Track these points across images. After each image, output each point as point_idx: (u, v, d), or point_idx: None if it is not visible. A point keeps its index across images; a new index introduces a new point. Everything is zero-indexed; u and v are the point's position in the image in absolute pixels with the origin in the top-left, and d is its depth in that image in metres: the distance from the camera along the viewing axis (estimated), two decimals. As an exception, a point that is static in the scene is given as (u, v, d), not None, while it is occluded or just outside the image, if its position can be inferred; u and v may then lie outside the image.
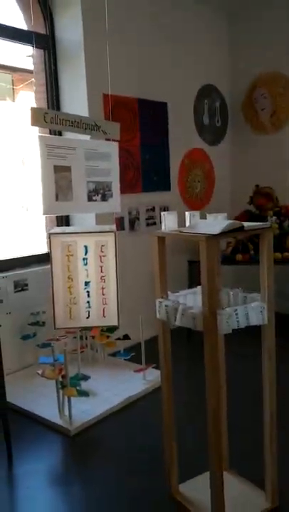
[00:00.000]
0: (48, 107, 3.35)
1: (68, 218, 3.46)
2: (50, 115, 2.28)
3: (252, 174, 4.42)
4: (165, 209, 3.90)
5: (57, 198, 2.29)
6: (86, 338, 3.29)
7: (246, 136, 4.54)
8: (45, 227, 3.52)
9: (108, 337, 3.17)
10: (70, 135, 2.71)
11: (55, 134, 3.11)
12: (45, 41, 3.29)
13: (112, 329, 3.18)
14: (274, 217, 3.69)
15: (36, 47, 3.18)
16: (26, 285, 3.08)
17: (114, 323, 2.43)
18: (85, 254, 2.31)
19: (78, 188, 2.42)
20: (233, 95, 4.58)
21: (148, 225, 3.75)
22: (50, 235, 2.25)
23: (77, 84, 3.28)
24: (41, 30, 3.31)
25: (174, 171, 4.04)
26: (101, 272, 2.35)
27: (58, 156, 2.29)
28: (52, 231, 2.34)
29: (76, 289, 2.32)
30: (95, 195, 2.48)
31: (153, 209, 3.82)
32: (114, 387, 2.83)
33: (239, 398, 2.53)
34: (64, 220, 3.43)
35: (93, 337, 3.18)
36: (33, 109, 2.28)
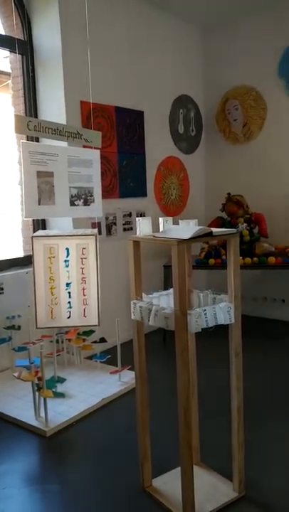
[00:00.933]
0: (26, 112, 3.40)
1: (45, 222, 3.51)
2: (34, 123, 2.35)
3: (225, 182, 4.59)
4: (141, 215, 4.01)
5: (39, 202, 2.37)
6: (62, 342, 3.33)
7: (219, 146, 4.71)
8: (21, 231, 3.56)
9: (84, 340, 3.23)
10: (48, 141, 2.77)
11: (32, 141, 3.16)
12: (23, 47, 3.34)
13: (88, 332, 3.24)
14: (244, 224, 3.84)
15: (14, 52, 3.24)
16: (2, 289, 3.11)
17: (95, 322, 2.51)
18: (67, 256, 2.39)
19: (60, 193, 2.51)
20: (207, 106, 4.75)
21: (125, 230, 3.84)
22: (32, 238, 2.32)
23: (55, 91, 3.35)
24: (20, 35, 3.36)
25: (150, 178, 4.15)
26: (82, 273, 2.43)
27: (41, 162, 2.37)
28: (35, 234, 2.41)
29: (57, 290, 2.40)
30: (77, 200, 2.56)
31: (130, 214, 3.91)
32: (89, 389, 2.89)
33: (211, 394, 2.63)
34: (41, 224, 3.48)
35: (69, 340, 3.23)
36: (16, 117, 2.35)
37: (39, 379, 2.48)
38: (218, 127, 4.71)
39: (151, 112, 4.09)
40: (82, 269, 2.40)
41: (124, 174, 3.83)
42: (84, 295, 2.42)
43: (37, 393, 2.50)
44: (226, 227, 3.94)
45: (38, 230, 3.45)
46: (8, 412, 2.61)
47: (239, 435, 1.87)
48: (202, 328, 1.68)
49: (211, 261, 3.75)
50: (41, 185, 2.34)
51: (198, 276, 4.56)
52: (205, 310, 1.68)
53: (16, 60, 3.41)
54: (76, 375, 3.14)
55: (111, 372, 3.03)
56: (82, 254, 2.38)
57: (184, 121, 4.53)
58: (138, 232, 1.84)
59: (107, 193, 3.68)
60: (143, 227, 1.82)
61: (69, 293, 2.40)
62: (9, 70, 3.48)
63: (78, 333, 3.22)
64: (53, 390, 2.57)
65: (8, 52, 3.39)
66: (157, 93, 4.16)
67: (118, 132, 3.75)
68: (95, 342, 3.23)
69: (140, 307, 1.81)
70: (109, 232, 3.71)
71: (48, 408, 2.52)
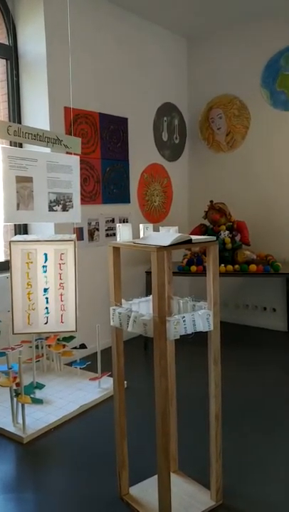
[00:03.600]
0: (10, 117, 3.39)
1: (27, 227, 3.49)
2: (14, 128, 2.34)
3: (208, 190, 4.64)
4: (124, 221, 4.01)
5: (18, 207, 2.35)
6: (42, 348, 3.30)
7: (203, 154, 4.76)
8: (2, 235, 3.52)
9: (64, 346, 3.20)
10: (32, 147, 2.77)
11: (15, 146, 3.15)
12: (8, 52, 3.33)
13: (68, 338, 3.22)
14: (226, 232, 3.88)
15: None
16: (-18, 293, 3.06)
17: (72, 328, 2.48)
18: (45, 261, 2.37)
19: (39, 198, 2.49)
20: (191, 114, 4.80)
21: (107, 235, 3.84)
22: (10, 243, 2.29)
23: (39, 97, 3.35)
24: (4, 40, 3.35)
25: (134, 184, 4.16)
26: (60, 279, 2.40)
27: (20, 167, 2.36)
28: (13, 239, 2.39)
29: (35, 296, 2.37)
30: (55, 206, 2.55)
31: (113, 220, 3.91)
32: (69, 395, 2.86)
33: (191, 401, 2.64)
34: (22, 229, 3.45)
35: (49, 346, 3.20)
36: None
37: (17, 385, 2.44)
38: (202, 135, 4.76)
39: (135, 119, 4.11)
40: (60, 274, 2.38)
41: (108, 180, 3.84)
42: (61, 301, 2.39)
43: (15, 399, 2.47)
44: (208, 235, 3.99)
45: (19, 234, 3.43)
46: (-15, 419, 2.57)
47: (217, 443, 1.88)
48: (181, 335, 1.69)
49: (193, 268, 3.78)
50: (20, 190, 2.32)
51: (181, 283, 4.58)
52: (184, 317, 1.69)
53: (0, 65, 3.39)
54: (55, 381, 3.11)
55: (90, 379, 3.01)
56: (61, 259, 2.36)
57: (168, 128, 4.57)
58: (118, 239, 1.84)
59: (89, 199, 3.68)
60: (123, 233, 1.83)
61: (46, 298, 2.37)
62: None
63: (58, 339, 3.20)
64: (32, 396, 2.54)
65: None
66: (141, 100, 4.20)
67: (102, 138, 3.76)
68: (75, 348, 3.21)
69: (119, 313, 1.81)
70: (91, 237, 3.70)
71: (26, 414, 2.49)
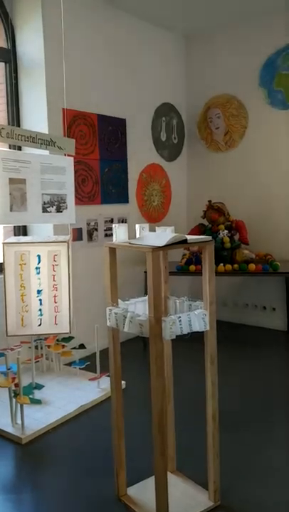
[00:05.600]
0: (8, 121, 3.40)
1: (26, 229, 3.50)
2: (6, 130, 2.35)
3: (206, 189, 4.64)
4: (123, 221, 4.02)
5: (11, 209, 2.35)
6: (41, 348, 3.31)
7: (201, 154, 4.76)
8: (2, 236, 3.53)
9: (64, 346, 3.21)
10: (30, 150, 2.78)
11: (14, 149, 3.16)
12: (6, 55, 3.34)
13: (67, 339, 3.22)
14: (225, 231, 3.89)
15: (-2, 60, 3.24)
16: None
17: (66, 330, 2.48)
18: (38, 263, 2.37)
19: (33, 199, 2.49)
20: (189, 114, 4.81)
21: (106, 235, 3.85)
22: (4, 244, 2.29)
23: (38, 99, 3.36)
24: (2, 43, 3.36)
25: (132, 184, 4.17)
26: (53, 280, 2.40)
27: (13, 169, 2.36)
28: (6, 240, 2.39)
29: (28, 297, 2.36)
30: (49, 207, 2.56)
31: (111, 220, 3.92)
32: (68, 396, 2.87)
33: (190, 400, 2.64)
34: (21, 230, 3.46)
35: (48, 346, 3.20)
36: None
37: (16, 385, 2.45)
38: (200, 135, 4.76)
39: (133, 120, 4.12)
40: (54, 275, 2.38)
41: (106, 181, 3.84)
42: (55, 302, 2.40)
43: (14, 399, 2.47)
44: (206, 234, 3.99)
45: (18, 236, 3.43)
46: (-16, 419, 2.58)
47: (214, 443, 1.88)
48: (177, 336, 1.69)
49: (192, 267, 3.78)
50: (13, 192, 2.33)
51: (180, 283, 4.59)
52: (180, 317, 1.70)
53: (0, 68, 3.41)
54: (55, 381, 3.12)
55: (90, 379, 3.02)
56: (54, 260, 2.36)
57: (166, 129, 4.58)
58: (114, 239, 1.85)
59: (88, 199, 3.69)
60: (119, 233, 1.83)
61: (40, 300, 2.38)
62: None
63: (57, 340, 3.20)
64: (30, 396, 2.54)
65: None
66: (140, 101, 4.20)
67: (100, 139, 3.77)
68: (74, 348, 3.21)
69: (115, 314, 1.81)
70: (90, 237, 3.71)
71: (25, 415, 2.50)
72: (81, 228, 3.62)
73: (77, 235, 3.58)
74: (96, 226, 3.76)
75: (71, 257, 2.55)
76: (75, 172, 3.53)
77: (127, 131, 4.04)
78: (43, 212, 2.52)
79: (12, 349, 2.97)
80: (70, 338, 3.22)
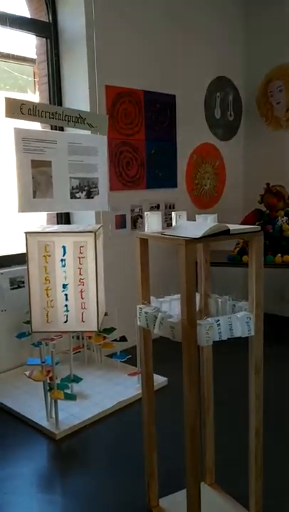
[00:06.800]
0: (50, 99, 3.26)
1: (69, 216, 3.38)
2: (28, 106, 2.15)
3: (265, 171, 4.23)
4: (171, 207, 3.78)
5: (34, 195, 2.18)
6: (83, 338, 3.21)
7: (260, 132, 4.35)
8: (46, 223, 3.45)
9: (105, 338, 3.09)
10: (73, 130, 2.57)
11: (55, 129, 3.00)
12: (47, 29, 3.18)
13: (108, 330, 3.10)
14: (285, 218, 3.51)
15: (38, 35, 3.09)
16: (22, 282, 3.01)
17: (94, 328, 2.29)
18: (63, 255, 2.19)
19: (59, 184, 2.29)
20: (247, 88, 4.39)
21: (153, 222, 3.63)
22: (26, 234, 2.14)
23: (80, 76, 3.18)
24: (43, 17, 3.21)
25: (182, 167, 3.90)
26: (80, 274, 2.21)
27: (36, 150, 2.16)
28: (28, 230, 2.23)
29: (53, 292, 2.20)
30: (78, 192, 2.35)
31: (158, 207, 3.70)
32: (106, 390, 2.74)
33: (232, 403, 2.40)
34: (64, 218, 3.35)
35: (89, 338, 3.10)
36: (7, 100, 2.15)
37: (51, 379, 2.36)
38: (260, 112, 4.34)
39: (184, 96, 3.82)
40: (80, 269, 2.18)
41: (153, 163, 3.61)
42: (82, 298, 2.20)
43: (48, 393, 2.39)
44: (264, 221, 3.63)
45: (61, 223, 3.33)
46: (21, 410, 2.53)
47: (257, 461, 1.64)
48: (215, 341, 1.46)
49: (245, 258, 3.46)
50: (37, 176, 2.14)
51: (234, 273, 4.27)
52: (218, 320, 1.46)
53: (41, 44, 3.26)
54: (94, 374, 3.01)
55: (129, 374, 2.87)
56: (80, 252, 2.16)
57: (221, 105, 4.22)
58: (146, 229, 1.64)
59: (132, 184, 3.49)
60: (151, 222, 1.62)
61: (66, 295, 2.19)
62: (35, 56, 3.35)
63: (99, 331, 3.08)
64: (65, 390, 2.44)
65: (35, 38, 3.25)
66: (191, 75, 3.88)
67: (147, 118, 3.53)
68: (115, 340, 3.08)
69: (146, 313, 1.61)
70: (134, 225, 3.52)
71: (61, 409, 2.41)
72: (125, 215, 3.44)
73: (121, 222, 3.41)
74: (141, 213, 3.56)
75: (101, 248, 2.35)
76: (120, 154, 3.34)
77: (176, 109, 3.76)
78: (71, 198, 2.33)
79: (53, 339, 2.90)
80: (111, 330, 3.09)
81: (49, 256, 2.14)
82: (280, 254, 3.42)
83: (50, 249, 2.16)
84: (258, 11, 4.21)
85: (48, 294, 2.18)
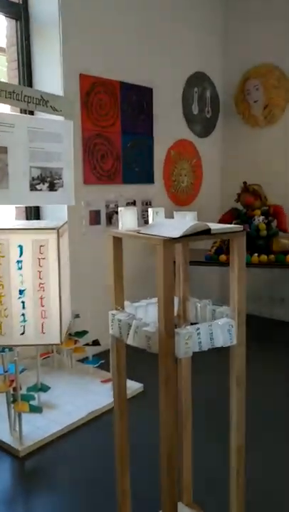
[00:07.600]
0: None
1: (39, 211, 3.18)
2: None
3: (242, 170, 4.15)
4: (147, 203, 3.63)
5: (-14, 185, 1.93)
6: (52, 342, 3.02)
7: (237, 129, 4.26)
8: (14, 219, 3.23)
9: (76, 342, 2.91)
10: (44, 114, 2.35)
11: (26, 113, 2.74)
12: (17, 11, 2.96)
13: (81, 333, 2.92)
14: (261, 217, 3.42)
15: (7, 16, 2.86)
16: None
17: (56, 341, 2.00)
18: (20, 255, 1.90)
19: (17, 174, 2.02)
20: (225, 85, 4.30)
21: (128, 220, 3.47)
22: None
23: (52, 62, 2.98)
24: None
25: (159, 162, 3.75)
26: (39, 278, 1.91)
27: None
28: None
29: (8, 299, 1.91)
30: (40, 184, 2.10)
31: (134, 203, 3.54)
32: (77, 399, 2.57)
33: (210, 414, 2.28)
34: (34, 213, 3.14)
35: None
36: None
37: (14, 389, 2.16)
38: (237, 109, 4.25)
39: (161, 90, 3.67)
40: (40, 272, 1.88)
41: (129, 157, 3.44)
42: (42, 305, 1.93)
43: (12, 406, 2.19)
44: (241, 220, 3.53)
45: (30, 219, 3.12)
46: (-17, 423, 2.32)
47: (238, 480, 1.51)
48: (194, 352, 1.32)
49: (222, 257, 3.35)
50: None
51: (211, 273, 4.17)
52: (198, 329, 1.31)
53: (10, 27, 3.04)
54: (64, 381, 2.82)
55: (102, 381, 2.70)
56: (40, 253, 1.89)
57: (199, 101, 4.10)
58: (120, 226, 1.47)
59: (108, 178, 3.31)
60: (126, 219, 1.46)
61: (23, 303, 1.92)
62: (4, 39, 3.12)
63: (70, 334, 2.90)
64: (31, 402, 2.25)
65: (5, 19, 3.02)
66: (169, 69, 3.74)
67: (123, 110, 3.36)
68: (87, 345, 2.90)
69: (119, 320, 1.45)
70: (109, 221, 3.35)
71: (27, 421, 2.22)
72: (99, 210, 3.26)
73: (95, 218, 3.23)
74: (116, 208, 3.39)
75: (66, 248, 2.11)
76: (94, 146, 3.16)
77: (153, 103, 3.61)
78: (31, 190, 2.06)
79: (16, 345, 2.69)
80: (83, 333, 2.91)
81: (2, 257, 1.86)
82: (256, 254, 3.33)
83: (3, 248, 1.87)
84: (237, 10, 4.12)
85: (1, 302, 1.90)
